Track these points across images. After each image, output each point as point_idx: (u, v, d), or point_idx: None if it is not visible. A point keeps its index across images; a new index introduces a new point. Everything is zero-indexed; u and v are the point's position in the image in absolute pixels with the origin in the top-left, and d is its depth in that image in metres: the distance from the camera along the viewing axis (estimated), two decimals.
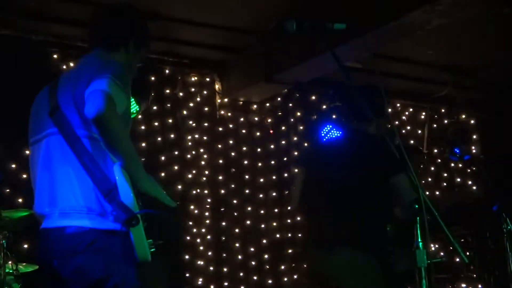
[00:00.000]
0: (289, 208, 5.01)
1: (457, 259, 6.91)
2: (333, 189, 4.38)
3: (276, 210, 7.64)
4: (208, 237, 7.19)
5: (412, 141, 8.60)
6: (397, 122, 8.60)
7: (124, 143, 2.90)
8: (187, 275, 6.97)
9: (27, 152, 6.01)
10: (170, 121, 7.16)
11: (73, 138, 2.99)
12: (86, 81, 2.95)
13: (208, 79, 7.53)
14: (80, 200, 2.97)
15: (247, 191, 7.57)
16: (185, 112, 7.29)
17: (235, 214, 7.45)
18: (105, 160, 2.96)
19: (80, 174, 2.98)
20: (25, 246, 5.95)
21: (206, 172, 7.31)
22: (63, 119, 3.04)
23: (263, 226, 7.56)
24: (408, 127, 8.76)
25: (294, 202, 4.81)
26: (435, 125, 8.97)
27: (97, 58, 3.25)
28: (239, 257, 7.36)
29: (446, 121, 9.06)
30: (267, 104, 7.83)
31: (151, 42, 3.58)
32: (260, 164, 7.70)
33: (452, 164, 8.97)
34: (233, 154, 7.55)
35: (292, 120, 7.95)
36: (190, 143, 7.24)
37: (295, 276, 7.52)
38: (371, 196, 4.39)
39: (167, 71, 7.16)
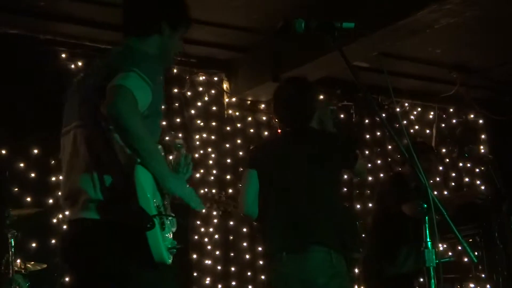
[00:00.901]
0: (241, 214, 4.62)
1: (466, 259, 6.90)
2: (296, 190, 4.20)
3: None
4: (216, 236, 7.19)
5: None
6: (405, 122, 8.58)
7: (143, 141, 2.80)
8: (195, 274, 6.97)
9: (35, 151, 6.10)
10: (178, 120, 7.17)
11: (97, 131, 2.94)
12: (110, 74, 2.87)
13: (216, 79, 7.53)
14: (99, 193, 2.91)
15: None
16: (193, 112, 7.29)
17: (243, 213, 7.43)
18: (127, 157, 2.88)
19: (99, 170, 2.92)
20: (33, 245, 5.97)
21: (214, 172, 7.31)
22: (90, 111, 2.97)
23: None
24: (416, 127, 8.74)
25: (247, 207, 4.39)
26: (443, 125, 8.96)
27: (125, 48, 3.16)
28: (247, 256, 7.36)
29: (454, 121, 9.05)
30: None
31: (190, 17, 3.35)
32: None
33: (461, 164, 8.95)
34: (241, 153, 7.55)
35: None
36: (198, 143, 7.24)
37: None
38: (336, 191, 4.33)
39: (175, 71, 7.16)
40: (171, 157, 3.48)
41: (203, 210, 3.05)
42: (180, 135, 7.10)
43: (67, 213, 3.13)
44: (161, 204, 2.94)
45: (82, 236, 2.98)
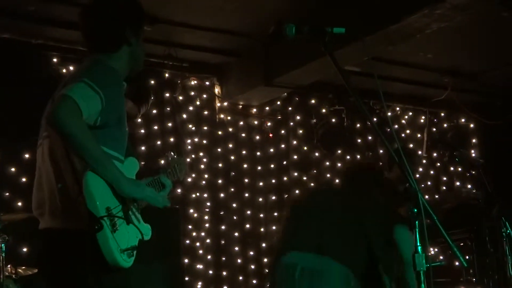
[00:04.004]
0: None
1: (457, 263, 6.91)
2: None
3: (275, 214, 7.65)
4: (208, 240, 7.19)
5: (411, 145, 8.61)
6: (396, 126, 8.61)
7: (86, 148, 2.86)
8: (187, 278, 6.96)
9: (26, 155, 6.08)
10: (170, 124, 7.16)
11: (58, 141, 2.99)
12: (66, 84, 2.97)
13: (207, 83, 7.53)
14: (59, 202, 2.99)
15: (246, 194, 7.57)
16: (184, 116, 7.29)
17: (235, 217, 7.45)
18: (81, 164, 2.93)
19: (59, 179, 3.00)
20: (24, 249, 5.95)
21: (206, 176, 7.31)
22: None
23: (262, 229, 7.57)
24: (408, 131, 8.78)
25: None
26: (434, 129, 8.99)
27: (90, 59, 3.22)
28: (239, 260, 7.36)
29: (445, 125, 9.08)
30: (267, 108, 7.84)
31: (145, 17, 3.38)
32: (259, 168, 7.70)
33: (452, 168, 8.98)
34: (232, 157, 7.56)
35: (291, 123, 7.96)
36: (189, 147, 7.24)
37: None
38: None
39: (166, 75, 7.16)
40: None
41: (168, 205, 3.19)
42: (171, 139, 7.09)
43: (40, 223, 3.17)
44: (117, 208, 2.98)
45: (46, 246, 3.08)
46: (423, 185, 8.53)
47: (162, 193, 3.37)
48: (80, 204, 2.87)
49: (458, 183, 8.94)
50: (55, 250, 3.02)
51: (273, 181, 7.74)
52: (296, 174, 7.84)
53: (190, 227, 7.09)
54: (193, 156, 7.25)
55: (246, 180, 7.61)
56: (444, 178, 8.93)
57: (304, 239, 4.20)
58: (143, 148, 6.88)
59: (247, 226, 7.50)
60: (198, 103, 7.42)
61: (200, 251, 7.12)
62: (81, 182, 2.88)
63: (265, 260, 7.50)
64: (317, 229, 4.18)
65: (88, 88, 2.89)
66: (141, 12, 3.34)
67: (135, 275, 3.04)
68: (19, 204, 6.02)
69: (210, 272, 7.13)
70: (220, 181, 7.43)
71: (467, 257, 6.43)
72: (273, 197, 7.67)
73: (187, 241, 7.05)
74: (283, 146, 7.88)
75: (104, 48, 3.23)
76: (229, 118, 7.63)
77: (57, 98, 2.87)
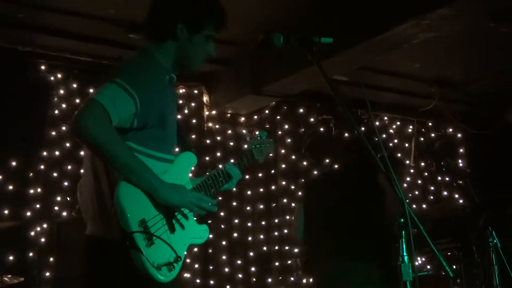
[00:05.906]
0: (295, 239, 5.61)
1: (444, 273, 6.92)
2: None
3: (263, 223, 7.64)
4: (195, 249, 7.16)
5: (399, 154, 8.63)
6: (384, 135, 8.62)
7: (115, 157, 2.70)
8: None
9: (13, 163, 6.05)
10: None
11: None
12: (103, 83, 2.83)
13: (196, 91, 7.52)
14: (97, 211, 2.89)
15: (234, 203, 7.55)
16: None
17: (222, 226, 7.42)
18: (116, 173, 2.78)
19: (98, 187, 2.88)
20: (11, 258, 5.91)
21: None
22: None
23: (250, 238, 7.54)
24: (395, 140, 8.79)
25: (298, 233, 5.08)
26: (422, 139, 9.01)
27: (137, 54, 3.11)
28: (226, 269, 7.34)
29: (433, 135, 9.10)
30: (255, 117, 7.83)
31: (217, 16, 3.23)
32: (247, 177, 7.68)
33: (439, 178, 9.00)
34: (220, 166, 7.52)
35: (279, 132, 7.96)
36: None
37: None
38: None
39: None
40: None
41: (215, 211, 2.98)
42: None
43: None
44: (156, 218, 2.83)
45: (87, 253, 2.98)
46: (410, 195, 8.54)
47: (227, 186, 3.38)
48: (113, 216, 2.72)
49: (445, 193, 8.95)
50: (93, 259, 2.93)
51: (261, 190, 7.73)
52: (284, 183, 7.84)
53: None
54: None
55: (234, 189, 7.57)
56: (432, 188, 8.94)
57: (326, 251, 4.71)
58: None
59: (235, 235, 7.48)
60: (186, 111, 7.41)
61: (188, 260, 7.09)
62: (114, 193, 2.72)
63: (253, 269, 7.48)
64: (333, 240, 4.69)
65: (119, 89, 2.73)
66: (208, 9, 3.18)
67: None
68: (6, 212, 5.98)
69: (198, 281, 7.10)
70: None
71: (454, 267, 6.44)
72: (261, 206, 7.66)
73: None
74: (271, 155, 7.86)
75: (152, 36, 3.11)
76: (217, 126, 7.62)
77: (84, 102, 2.71)
